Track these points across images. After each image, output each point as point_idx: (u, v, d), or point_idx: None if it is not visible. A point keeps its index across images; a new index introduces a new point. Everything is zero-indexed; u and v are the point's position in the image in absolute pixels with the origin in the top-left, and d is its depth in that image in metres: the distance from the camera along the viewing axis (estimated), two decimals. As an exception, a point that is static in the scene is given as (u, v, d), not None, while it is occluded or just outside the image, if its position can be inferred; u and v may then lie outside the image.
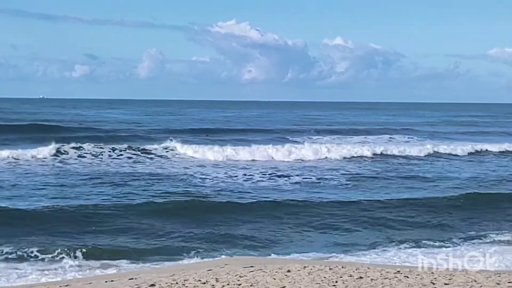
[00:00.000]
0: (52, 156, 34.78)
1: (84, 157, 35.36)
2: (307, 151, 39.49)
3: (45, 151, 35.07)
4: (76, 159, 34.80)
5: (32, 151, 34.87)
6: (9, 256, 15.87)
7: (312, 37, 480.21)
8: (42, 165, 32.37)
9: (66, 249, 16.14)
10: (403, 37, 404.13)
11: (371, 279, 11.22)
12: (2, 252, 16.06)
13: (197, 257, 16.16)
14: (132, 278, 12.14)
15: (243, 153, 37.97)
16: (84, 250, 16.18)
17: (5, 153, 33.91)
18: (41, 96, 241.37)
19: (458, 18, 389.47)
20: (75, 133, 46.29)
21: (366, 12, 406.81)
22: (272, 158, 37.80)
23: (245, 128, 59.70)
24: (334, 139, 49.56)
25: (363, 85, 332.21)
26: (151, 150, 37.72)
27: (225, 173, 30.99)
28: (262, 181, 28.84)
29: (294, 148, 40.23)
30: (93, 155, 35.93)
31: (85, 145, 37.08)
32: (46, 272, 14.72)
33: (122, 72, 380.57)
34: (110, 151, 36.79)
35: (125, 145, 38.42)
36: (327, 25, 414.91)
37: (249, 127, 62.28)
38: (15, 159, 33.35)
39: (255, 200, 23.40)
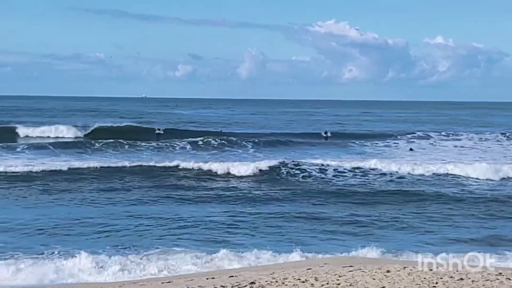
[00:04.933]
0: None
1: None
2: None
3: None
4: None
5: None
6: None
7: (412, 36, 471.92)
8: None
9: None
10: (507, 35, 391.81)
11: (472, 281, 11.14)
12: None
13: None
14: (232, 276, 12.43)
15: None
16: None
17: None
18: (143, 95, 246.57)
19: None
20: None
21: (467, 10, 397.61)
22: None
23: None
24: None
25: (465, 85, 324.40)
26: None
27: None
28: None
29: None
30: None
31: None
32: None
33: (223, 71, 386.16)
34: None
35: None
36: (427, 24, 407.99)
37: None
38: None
39: None
